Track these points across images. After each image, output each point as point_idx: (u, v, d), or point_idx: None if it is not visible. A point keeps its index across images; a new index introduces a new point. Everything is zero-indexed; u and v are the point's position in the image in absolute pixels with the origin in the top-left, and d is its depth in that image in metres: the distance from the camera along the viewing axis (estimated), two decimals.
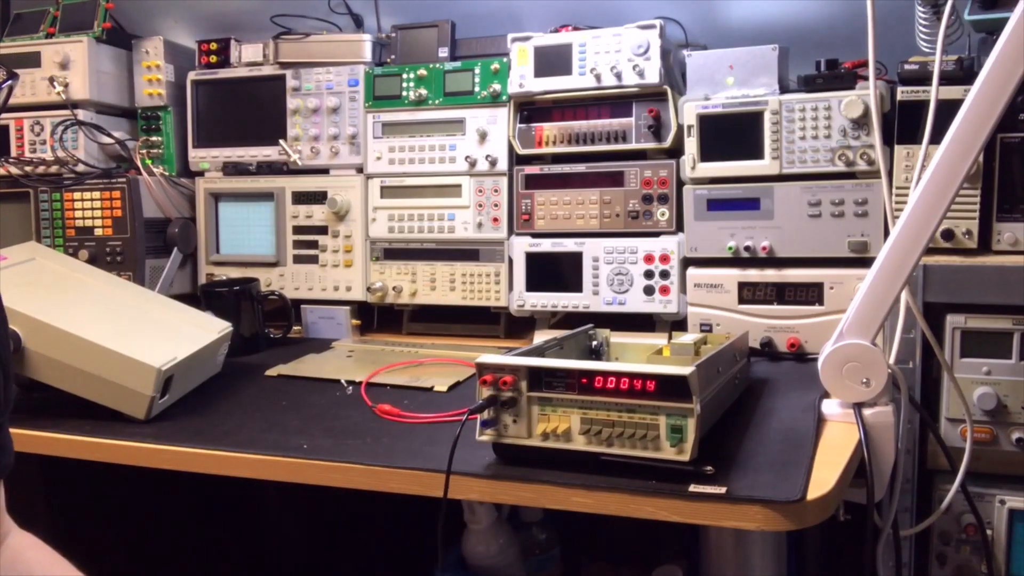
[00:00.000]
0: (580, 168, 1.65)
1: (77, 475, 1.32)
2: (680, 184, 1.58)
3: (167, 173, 1.94)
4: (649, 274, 1.59)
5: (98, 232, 1.85)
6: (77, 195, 1.86)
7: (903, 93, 1.37)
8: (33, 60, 1.91)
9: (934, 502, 1.30)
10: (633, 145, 1.61)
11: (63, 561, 0.91)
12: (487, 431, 0.99)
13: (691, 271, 1.56)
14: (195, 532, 1.83)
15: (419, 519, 1.47)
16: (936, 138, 1.06)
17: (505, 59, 1.69)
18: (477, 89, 1.73)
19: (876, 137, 1.32)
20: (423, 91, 1.76)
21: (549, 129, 1.66)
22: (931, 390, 1.33)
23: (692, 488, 0.89)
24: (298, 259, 1.87)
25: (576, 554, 1.70)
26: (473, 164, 1.73)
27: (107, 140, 1.90)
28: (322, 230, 1.85)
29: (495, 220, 1.72)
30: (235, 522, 1.94)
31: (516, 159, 1.71)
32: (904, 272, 1.05)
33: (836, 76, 1.45)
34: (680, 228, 1.59)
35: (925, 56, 1.42)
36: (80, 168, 1.88)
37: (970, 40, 1.47)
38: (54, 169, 1.91)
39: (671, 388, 0.90)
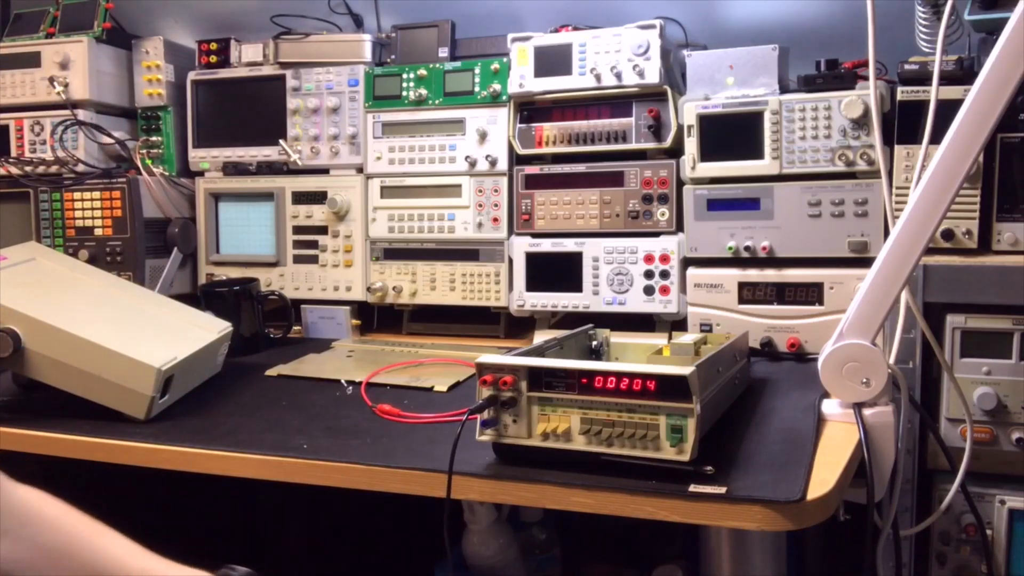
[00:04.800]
0: (580, 168, 1.65)
1: (77, 475, 1.32)
2: (680, 184, 1.58)
3: (167, 173, 1.94)
4: (649, 274, 1.59)
5: (98, 232, 1.85)
6: (77, 195, 1.86)
7: (903, 93, 1.37)
8: (33, 60, 1.91)
9: (934, 502, 1.30)
10: (633, 145, 1.61)
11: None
12: (487, 431, 0.99)
13: (691, 271, 1.56)
14: (195, 532, 1.83)
15: (419, 519, 1.47)
16: (936, 138, 1.06)
17: (505, 59, 1.69)
18: (477, 89, 1.73)
19: (876, 137, 1.32)
20: (423, 91, 1.76)
21: (549, 129, 1.66)
22: (931, 390, 1.33)
23: (692, 488, 0.89)
24: (298, 259, 1.87)
25: (576, 554, 1.70)
26: (473, 164, 1.73)
27: (107, 140, 1.90)
28: (322, 230, 1.85)
29: (495, 220, 1.72)
30: (235, 522, 1.94)
31: (516, 159, 1.71)
32: (904, 272, 1.05)
33: (836, 76, 1.45)
34: (680, 228, 1.59)
35: (925, 56, 1.42)
36: (80, 168, 1.88)
37: (970, 40, 1.47)
38: (54, 169, 1.91)
39: (671, 388, 0.90)
